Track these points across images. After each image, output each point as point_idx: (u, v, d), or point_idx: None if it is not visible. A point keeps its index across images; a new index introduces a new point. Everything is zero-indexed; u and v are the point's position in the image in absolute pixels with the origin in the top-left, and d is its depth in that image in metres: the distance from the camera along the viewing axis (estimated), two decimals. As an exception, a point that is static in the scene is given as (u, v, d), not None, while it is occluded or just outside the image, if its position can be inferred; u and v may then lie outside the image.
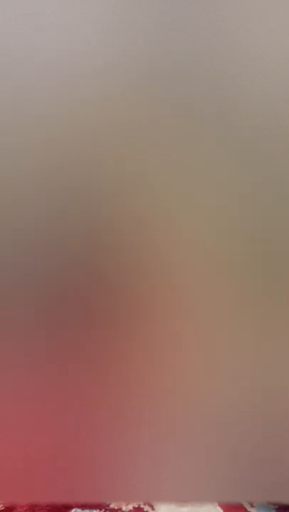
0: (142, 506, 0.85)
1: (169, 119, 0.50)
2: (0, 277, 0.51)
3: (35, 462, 0.53)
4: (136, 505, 0.85)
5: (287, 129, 0.50)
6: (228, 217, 0.51)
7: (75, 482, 0.53)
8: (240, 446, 0.53)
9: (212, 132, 0.50)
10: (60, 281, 0.51)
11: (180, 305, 0.52)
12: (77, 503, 0.85)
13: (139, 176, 0.51)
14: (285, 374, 0.52)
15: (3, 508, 0.83)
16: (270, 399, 0.53)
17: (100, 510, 0.84)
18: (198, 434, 0.53)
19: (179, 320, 0.52)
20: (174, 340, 0.52)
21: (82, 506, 0.84)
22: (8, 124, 0.50)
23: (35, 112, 0.50)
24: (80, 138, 0.50)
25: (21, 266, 0.51)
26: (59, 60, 0.50)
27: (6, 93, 0.50)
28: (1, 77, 0.50)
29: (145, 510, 0.84)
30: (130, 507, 0.85)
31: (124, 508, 0.85)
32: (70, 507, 0.84)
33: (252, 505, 0.86)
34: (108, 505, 0.85)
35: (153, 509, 0.85)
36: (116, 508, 0.85)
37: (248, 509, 0.85)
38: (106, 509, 0.84)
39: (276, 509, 0.86)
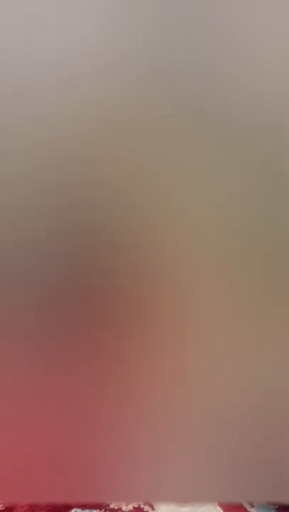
0: (141, 506, 0.85)
1: (169, 119, 0.50)
2: (0, 277, 0.51)
3: (35, 462, 0.53)
4: (136, 505, 0.85)
5: (287, 129, 0.50)
6: (228, 217, 0.51)
7: (75, 482, 0.53)
8: (240, 446, 0.53)
9: (212, 132, 0.50)
10: (60, 281, 0.51)
11: (180, 305, 0.52)
12: (77, 503, 0.85)
13: (139, 176, 0.51)
14: (285, 374, 0.52)
15: (3, 508, 0.83)
16: (270, 399, 0.53)
17: (100, 510, 0.84)
18: (198, 434, 0.53)
19: (179, 320, 0.52)
20: (174, 340, 0.52)
21: (82, 506, 0.84)
22: (8, 124, 0.50)
23: (35, 112, 0.50)
24: (80, 138, 0.50)
25: (21, 266, 0.51)
26: (59, 60, 0.50)
27: (6, 93, 0.50)
28: (1, 77, 0.50)
29: (145, 510, 0.84)
30: (130, 507, 0.85)
31: (124, 508, 0.85)
32: (70, 507, 0.84)
33: (252, 505, 0.86)
34: (108, 505, 0.85)
35: (153, 509, 0.85)
36: (116, 508, 0.85)
37: (248, 509, 0.85)
38: (106, 509, 0.84)
39: (276, 509, 0.86)
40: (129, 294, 0.51)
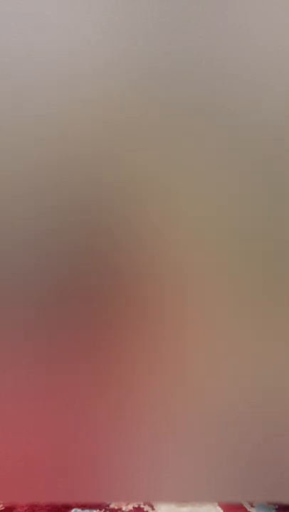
0: (142, 506, 0.85)
1: (169, 119, 0.50)
2: (0, 277, 0.51)
3: (35, 462, 0.53)
4: (136, 505, 0.85)
5: (287, 129, 0.50)
6: (228, 217, 0.51)
7: (75, 482, 0.53)
8: (240, 446, 0.53)
9: (212, 132, 0.50)
10: (60, 281, 0.51)
11: (180, 305, 0.52)
12: (77, 503, 0.85)
13: (139, 176, 0.51)
14: (285, 374, 0.52)
15: (3, 508, 0.83)
16: (270, 399, 0.53)
17: (100, 510, 0.84)
18: (198, 434, 0.53)
19: (179, 320, 0.52)
20: (174, 340, 0.52)
21: (82, 506, 0.84)
22: (8, 124, 0.50)
23: (35, 112, 0.50)
24: (80, 138, 0.50)
25: (21, 266, 0.51)
26: (59, 60, 0.50)
27: (6, 93, 0.50)
28: (1, 77, 0.50)
29: (145, 510, 0.84)
30: (130, 507, 0.85)
31: (124, 508, 0.85)
32: (70, 507, 0.84)
33: (252, 505, 0.86)
34: (108, 505, 0.85)
35: (153, 509, 0.85)
36: (116, 508, 0.85)
37: (248, 509, 0.85)
38: (106, 509, 0.84)
39: (276, 509, 0.86)
40: (129, 294, 0.51)
